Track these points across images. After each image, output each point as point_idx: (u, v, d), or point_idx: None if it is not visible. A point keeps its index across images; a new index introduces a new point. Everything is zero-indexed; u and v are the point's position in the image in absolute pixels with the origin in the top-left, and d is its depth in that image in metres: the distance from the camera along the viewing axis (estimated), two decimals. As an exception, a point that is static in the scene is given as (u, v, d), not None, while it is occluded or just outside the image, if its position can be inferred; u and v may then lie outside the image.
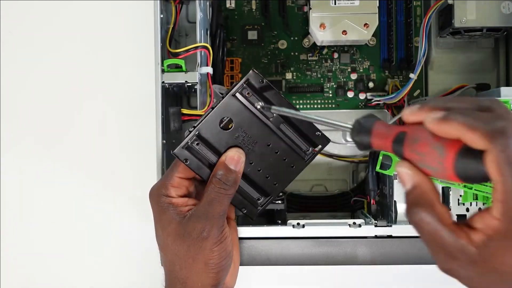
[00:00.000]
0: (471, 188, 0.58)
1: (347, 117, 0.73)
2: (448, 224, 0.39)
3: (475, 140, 0.36)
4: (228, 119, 0.53)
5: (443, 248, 0.38)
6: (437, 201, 0.40)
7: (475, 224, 0.39)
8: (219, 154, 0.53)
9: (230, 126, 0.53)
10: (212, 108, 0.53)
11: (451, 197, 0.59)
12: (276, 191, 0.56)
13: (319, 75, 0.73)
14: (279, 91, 0.54)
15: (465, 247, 0.38)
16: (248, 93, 0.53)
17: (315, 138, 0.55)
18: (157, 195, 0.53)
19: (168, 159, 0.61)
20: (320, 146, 0.55)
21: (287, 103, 0.53)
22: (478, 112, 0.38)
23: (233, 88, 0.52)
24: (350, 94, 0.73)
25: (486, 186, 0.58)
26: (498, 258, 0.37)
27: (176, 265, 0.52)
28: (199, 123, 0.52)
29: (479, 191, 0.58)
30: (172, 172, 0.53)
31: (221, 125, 0.53)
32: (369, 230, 0.59)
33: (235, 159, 0.52)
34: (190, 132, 0.52)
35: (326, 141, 0.55)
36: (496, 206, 0.37)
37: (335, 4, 0.65)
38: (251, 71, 0.53)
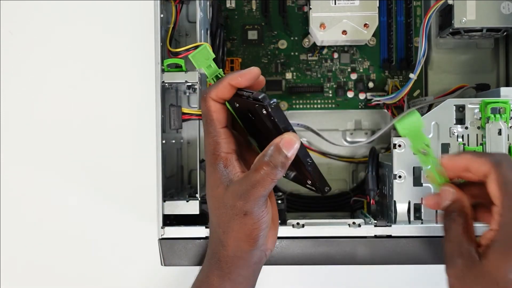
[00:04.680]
0: None
1: (347, 117, 0.73)
2: (471, 232, 0.48)
3: (480, 165, 0.47)
4: None
5: (459, 247, 0.47)
6: (470, 215, 0.48)
7: (480, 241, 0.47)
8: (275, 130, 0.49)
9: None
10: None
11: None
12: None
13: (319, 75, 0.73)
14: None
15: (472, 251, 0.46)
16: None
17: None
18: (217, 157, 0.52)
19: (167, 159, 0.61)
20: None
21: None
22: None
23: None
24: (350, 94, 0.73)
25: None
26: (493, 263, 0.45)
27: (220, 227, 0.52)
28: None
29: None
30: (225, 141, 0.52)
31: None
32: (369, 230, 0.59)
33: (291, 144, 0.48)
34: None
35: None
36: (495, 219, 0.46)
37: (335, 4, 0.65)
38: None
